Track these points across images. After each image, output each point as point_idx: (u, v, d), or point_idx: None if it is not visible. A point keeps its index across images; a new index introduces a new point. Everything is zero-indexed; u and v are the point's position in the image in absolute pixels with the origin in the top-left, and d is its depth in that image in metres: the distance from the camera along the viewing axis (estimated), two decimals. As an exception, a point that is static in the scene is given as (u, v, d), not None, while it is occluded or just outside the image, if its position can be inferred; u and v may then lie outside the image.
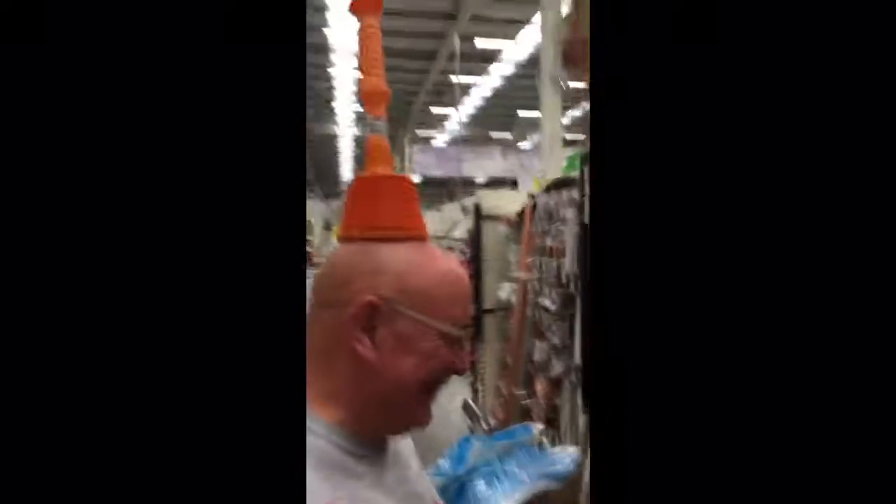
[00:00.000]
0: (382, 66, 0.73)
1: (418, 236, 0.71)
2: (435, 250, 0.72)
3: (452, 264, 0.71)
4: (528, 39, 8.91)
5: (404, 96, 12.88)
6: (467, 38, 8.89)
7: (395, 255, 0.67)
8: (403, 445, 0.76)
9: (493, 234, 4.00)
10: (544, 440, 1.01)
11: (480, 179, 16.64)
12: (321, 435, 0.64)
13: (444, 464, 0.98)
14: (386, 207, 0.70)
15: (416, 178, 12.38)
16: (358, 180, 0.74)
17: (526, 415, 2.81)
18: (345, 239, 0.71)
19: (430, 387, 0.68)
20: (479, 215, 4.13)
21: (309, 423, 0.61)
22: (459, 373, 0.69)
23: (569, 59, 4.70)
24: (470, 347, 0.79)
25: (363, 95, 0.74)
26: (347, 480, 0.63)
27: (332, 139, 16.81)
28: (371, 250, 0.68)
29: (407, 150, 15.53)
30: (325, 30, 8.56)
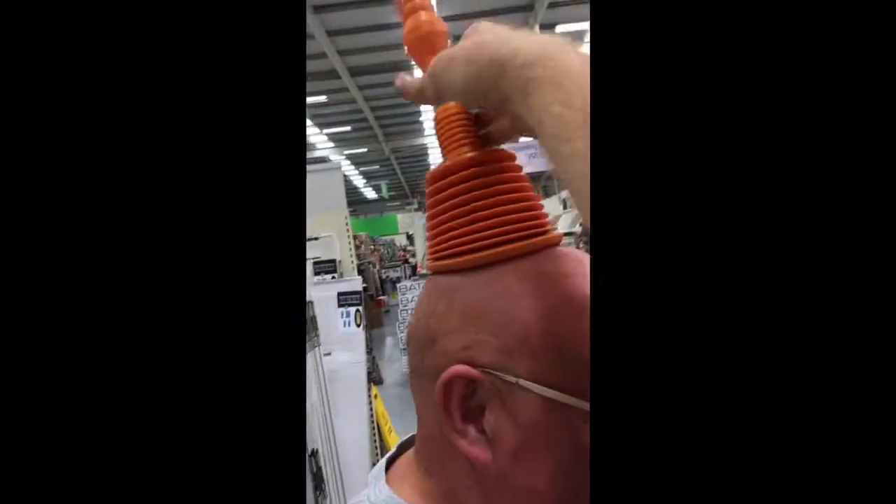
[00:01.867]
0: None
1: (540, 243, 0.42)
2: (577, 262, 0.42)
3: None
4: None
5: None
6: (549, 27, 8.70)
7: (498, 288, 0.40)
8: None
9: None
10: None
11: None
12: None
13: None
14: (483, 207, 0.43)
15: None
16: (431, 175, 0.46)
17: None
18: (433, 272, 0.45)
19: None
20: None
21: None
22: None
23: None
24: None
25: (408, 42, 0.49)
26: None
27: (422, 150, 17.10)
28: (461, 285, 0.42)
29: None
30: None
